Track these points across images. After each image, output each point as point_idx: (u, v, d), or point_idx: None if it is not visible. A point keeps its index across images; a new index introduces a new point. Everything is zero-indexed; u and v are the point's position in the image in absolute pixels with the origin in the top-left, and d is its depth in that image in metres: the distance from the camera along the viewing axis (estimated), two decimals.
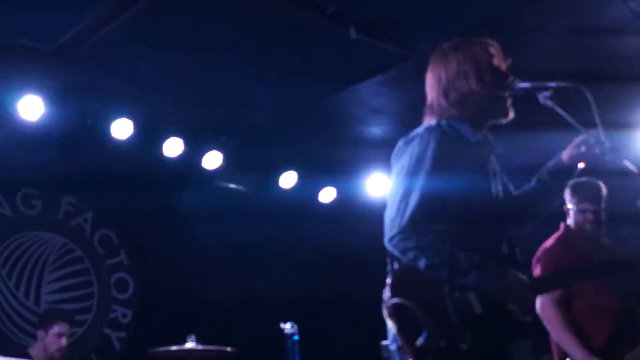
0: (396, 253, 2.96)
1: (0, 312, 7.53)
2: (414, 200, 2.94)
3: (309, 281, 8.50)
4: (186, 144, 7.87)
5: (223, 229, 8.45)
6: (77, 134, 7.38)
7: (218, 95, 7.24)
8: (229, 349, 6.05)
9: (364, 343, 7.27)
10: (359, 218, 8.68)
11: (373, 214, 8.18)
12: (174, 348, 5.93)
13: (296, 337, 6.68)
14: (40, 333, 6.50)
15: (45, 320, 6.58)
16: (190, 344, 5.90)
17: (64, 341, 6.39)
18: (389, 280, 2.90)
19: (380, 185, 8.67)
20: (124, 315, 8.22)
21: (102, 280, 8.18)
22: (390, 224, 2.96)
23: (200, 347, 5.92)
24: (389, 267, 3.00)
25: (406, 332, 2.80)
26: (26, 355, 6.19)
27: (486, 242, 3.00)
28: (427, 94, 3.29)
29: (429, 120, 3.17)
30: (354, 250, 8.50)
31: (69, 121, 7.25)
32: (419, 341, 2.76)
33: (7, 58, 6.48)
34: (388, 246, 2.98)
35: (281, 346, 6.68)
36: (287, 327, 6.69)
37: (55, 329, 6.41)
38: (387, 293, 2.85)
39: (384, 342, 6.94)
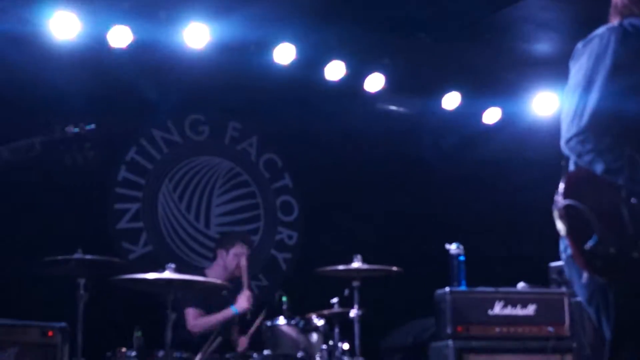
0: (572, 156, 2.85)
1: (173, 233, 7.84)
2: (592, 100, 2.79)
3: (475, 201, 8.38)
4: (348, 67, 7.85)
5: (384, 152, 8.43)
6: (241, 61, 7.49)
7: (380, 16, 7.16)
8: (394, 268, 6.05)
9: (531, 264, 7.14)
10: (524, 138, 8.46)
11: (539, 134, 8.03)
12: (340, 268, 5.98)
13: (462, 258, 6.62)
14: (220, 252, 6.73)
15: (227, 240, 6.81)
16: (356, 264, 5.93)
17: (243, 261, 6.57)
18: (562, 182, 2.78)
19: (547, 105, 8.37)
20: (290, 237, 8.37)
21: (268, 203, 8.34)
22: (568, 125, 2.84)
23: (366, 266, 5.94)
24: (563, 170, 2.88)
25: (576, 234, 2.70)
26: (202, 275, 6.40)
27: None
28: None
29: (612, 21, 2.99)
30: (519, 170, 8.30)
31: (233, 48, 7.36)
32: (588, 245, 2.66)
33: None
34: (564, 148, 2.87)
35: (447, 267, 6.65)
36: (453, 247, 6.64)
37: (237, 249, 6.63)
38: (559, 194, 2.74)
39: (553, 264, 6.79)
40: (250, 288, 6.47)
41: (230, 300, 6.42)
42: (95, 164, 3.03)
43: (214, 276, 6.44)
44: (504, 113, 8.56)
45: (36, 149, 2.91)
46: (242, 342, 6.39)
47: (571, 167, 2.90)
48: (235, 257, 6.63)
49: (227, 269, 6.65)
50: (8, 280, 6.09)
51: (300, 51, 7.58)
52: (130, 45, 6.99)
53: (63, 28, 6.73)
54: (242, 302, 6.27)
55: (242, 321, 6.44)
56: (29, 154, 2.90)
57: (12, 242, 6.53)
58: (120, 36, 6.94)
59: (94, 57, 6.91)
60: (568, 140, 2.84)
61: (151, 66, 7.23)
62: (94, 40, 6.92)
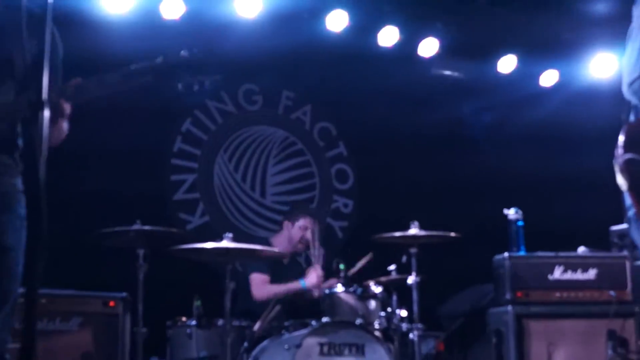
0: (634, 100, 2.75)
1: (229, 203, 7.88)
2: None
3: (534, 166, 8.26)
4: (401, 32, 7.77)
5: (439, 117, 8.34)
6: (293, 29, 7.46)
7: None
8: (452, 234, 6.00)
9: (591, 228, 7.03)
10: (582, 101, 8.29)
11: (597, 97, 7.86)
12: (397, 234, 5.94)
13: (521, 223, 6.54)
14: (287, 224, 6.74)
15: (294, 212, 6.82)
16: (413, 230, 5.89)
17: (308, 235, 6.58)
18: (622, 134, 2.68)
19: (605, 66, 8.18)
20: (345, 205, 8.36)
21: (323, 172, 8.33)
22: (632, 68, 2.74)
23: (423, 233, 5.90)
24: (623, 121, 2.79)
25: (638, 190, 2.62)
26: (267, 244, 6.42)
27: None
28: None
29: None
30: (577, 133, 8.14)
31: (286, 16, 7.32)
32: None
33: None
34: (627, 93, 2.77)
35: (505, 232, 6.57)
36: (511, 212, 6.55)
37: (302, 222, 6.64)
38: (619, 147, 2.65)
39: (613, 227, 6.68)
40: (322, 265, 6.42)
41: (300, 272, 6.44)
42: (209, 93, 2.98)
43: (277, 246, 6.46)
44: (561, 75, 8.40)
45: (149, 74, 2.88)
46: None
47: (631, 118, 2.81)
48: (300, 230, 6.62)
49: (291, 241, 6.64)
50: (69, 252, 6.17)
51: (353, 17, 7.54)
52: (182, 17, 7.00)
53: (116, 2, 6.78)
54: (312, 278, 6.23)
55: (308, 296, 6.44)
56: (142, 80, 2.88)
57: (73, 214, 6.61)
58: (172, 8, 6.95)
59: (147, 29, 6.91)
60: (631, 83, 2.74)
61: (203, 37, 7.23)
62: (147, 13, 6.93)
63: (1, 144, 3.02)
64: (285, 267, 6.58)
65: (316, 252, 6.43)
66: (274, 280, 6.41)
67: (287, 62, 7.78)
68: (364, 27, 7.71)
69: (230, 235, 5.37)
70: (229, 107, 8.03)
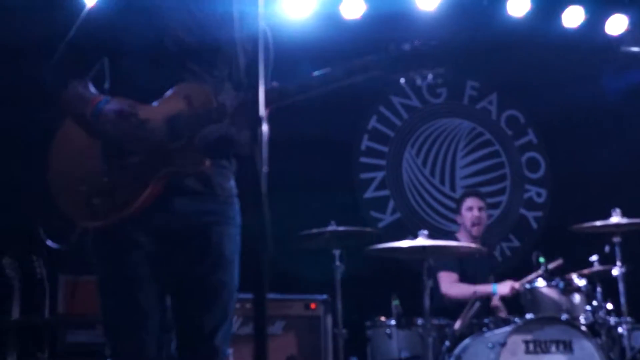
0: None
1: (419, 199, 7.83)
2: None
3: None
4: (587, 11, 7.48)
5: (632, 98, 7.95)
6: (474, 17, 7.32)
7: None
8: None
9: None
10: None
11: None
12: (598, 223, 5.69)
13: None
14: (458, 218, 6.66)
15: (458, 202, 6.75)
16: (615, 218, 5.62)
17: (475, 212, 6.46)
18: None
19: None
20: (539, 195, 8.12)
21: (513, 161, 8.13)
22: None
23: (626, 220, 5.62)
24: None
25: None
26: (454, 239, 6.34)
27: None
28: None
29: None
30: None
31: (465, 5, 7.20)
32: None
33: None
34: None
35: None
36: None
37: (467, 203, 6.54)
38: None
39: None
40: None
41: (489, 274, 6.31)
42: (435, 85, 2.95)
43: (463, 240, 6.36)
44: None
45: (371, 68, 2.89)
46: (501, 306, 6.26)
47: None
48: (467, 211, 6.51)
49: (466, 229, 6.53)
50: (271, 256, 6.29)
51: (534, 0, 7.31)
52: (363, 15, 7.02)
53: (298, 7, 6.88)
54: (506, 287, 5.99)
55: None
56: (365, 75, 2.89)
57: (272, 219, 6.73)
58: (353, 7, 6.99)
59: (329, 31, 6.96)
60: None
61: (384, 33, 7.20)
62: (328, 15, 6.99)
63: (219, 146, 3.03)
64: (476, 264, 6.41)
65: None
66: (464, 278, 6.29)
67: (470, 52, 7.62)
68: (547, 9, 7.48)
69: (426, 232, 5.32)
70: (414, 101, 7.97)
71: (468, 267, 6.34)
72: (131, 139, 2.87)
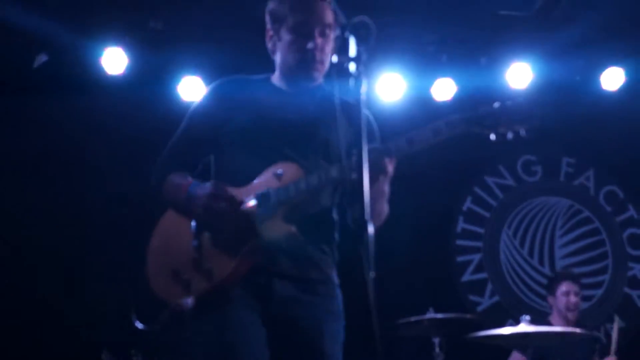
0: None
1: (518, 281, 7.65)
2: None
3: None
4: None
5: None
6: (566, 93, 7.23)
7: None
8: None
9: None
10: None
11: None
12: None
13: None
14: (550, 299, 6.47)
15: (551, 283, 6.55)
16: None
17: (572, 299, 6.28)
18: None
19: None
20: None
21: (614, 239, 7.88)
22: None
23: None
24: None
25: None
26: (548, 323, 6.16)
27: None
28: None
29: None
30: None
31: (558, 81, 7.13)
32: None
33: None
34: None
35: None
36: None
37: (562, 287, 6.35)
38: None
39: None
40: (616, 351, 6.00)
41: (592, 357, 6.08)
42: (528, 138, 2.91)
43: (556, 324, 6.19)
44: None
45: (457, 125, 2.88)
46: None
47: None
48: (563, 296, 6.31)
49: (561, 313, 6.33)
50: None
51: (628, 73, 7.19)
52: (454, 97, 7.01)
53: (388, 91, 6.92)
54: None
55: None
56: (451, 132, 2.87)
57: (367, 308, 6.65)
58: (444, 89, 7.00)
59: (421, 113, 6.94)
60: None
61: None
62: (419, 98, 7.00)
63: (320, 228, 3.07)
64: (575, 348, 6.17)
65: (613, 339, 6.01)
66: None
67: (564, 128, 7.50)
68: None
69: (528, 317, 5.18)
70: (509, 180, 7.86)
71: (567, 352, 6.11)
72: (220, 218, 2.93)
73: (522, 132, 2.89)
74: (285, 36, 3.11)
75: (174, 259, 3.00)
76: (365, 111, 2.64)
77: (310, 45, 3.07)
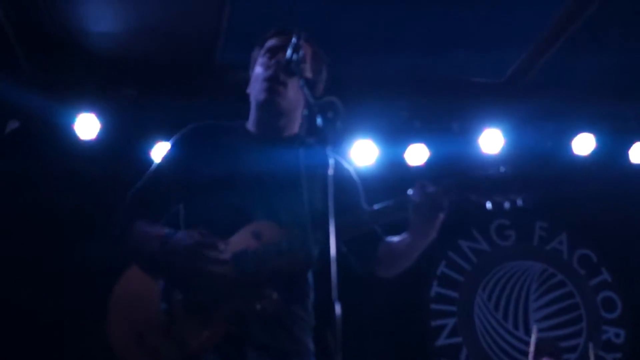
0: None
1: (493, 345, 7.61)
2: None
3: None
4: None
5: None
6: (538, 158, 7.28)
7: None
8: None
9: None
10: None
11: None
12: None
13: None
14: None
15: (534, 356, 6.46)
16: None
17: None
18: None
19: None
20: (617, 336, 7.84)
21: (588, 302, 7.89)
22: None
23: None
24: None
25: None
26: None
27: None
28: None
29: None
30: None
31: (529, 147, 7.18)
32: None
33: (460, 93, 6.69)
34: None
35: None
36: None
37: None
38: None
39: None
40: None
41: None
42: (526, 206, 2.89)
43: None
44: None
45: (456, 191, 2.84)
46: None
47: None
48: None
49: None
50: None
51: (599, 139, 7.26)
52: (427, 161, 7.04)
53: (362, 157, 6.94)
54: None
55: None
56: (453, 197, 2.84)
57: None
58: (416, 154, 7.04)
59: (395, 177, 6.96)
60: None
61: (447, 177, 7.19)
62: (393, 161, 7.02)
63: (295, 291, 2.96)
64: None
65: None
66: None
67: (537, 192, 7.53)
68: (613, 145, 7.41)
69: None
70: (482, 245, 7.87)
71: None
72: (200, 274, 2.75)
73: (519, 202, 2.89)
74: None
75: (139, 321, 2.83)
76: (348, 167, 2.65)
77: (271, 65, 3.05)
